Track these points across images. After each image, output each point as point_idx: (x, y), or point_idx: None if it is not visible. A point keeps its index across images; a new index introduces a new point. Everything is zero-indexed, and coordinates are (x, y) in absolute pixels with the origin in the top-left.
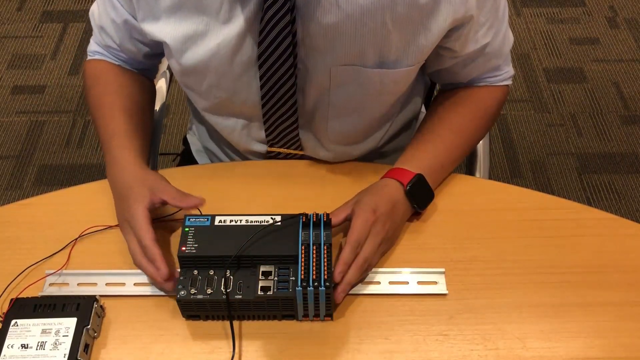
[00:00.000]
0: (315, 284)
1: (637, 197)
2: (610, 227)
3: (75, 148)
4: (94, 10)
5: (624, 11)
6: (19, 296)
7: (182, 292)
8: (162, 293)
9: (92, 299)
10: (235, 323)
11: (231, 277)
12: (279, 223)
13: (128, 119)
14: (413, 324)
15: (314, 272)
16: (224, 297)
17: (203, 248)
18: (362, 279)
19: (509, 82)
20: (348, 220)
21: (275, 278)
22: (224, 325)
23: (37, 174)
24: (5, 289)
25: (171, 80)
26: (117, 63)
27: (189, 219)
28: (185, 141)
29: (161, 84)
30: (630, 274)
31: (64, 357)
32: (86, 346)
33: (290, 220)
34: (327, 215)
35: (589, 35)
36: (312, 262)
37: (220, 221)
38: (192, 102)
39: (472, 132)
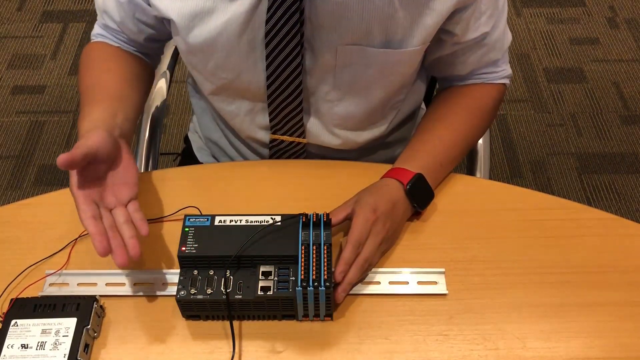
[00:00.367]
0: (315, 284)
1: (637, 197)
2: (610, 227)
3: None
4: None
5: (624, 11)
6: (19, 296)
7: (182, 292)
8: (162, 293)
9: (92, 299)
10: (235, 323)
11: (231, 277)
12: (279, 223)
13: (115, 85)
14: (413, 324)
15: (314, 272)
16: (224, 297)
17: (203, 248)
18: (362, 278)
19: (507, 82)
20: (348, 219)
21: (275, 278)
22: (224, 325)
23: (37, 174)
24: (5, 289)
25: (171, 80)
26: (116, 44)
27: (188, 219)
28: (186, 140)
29: (161, 84)
30: (630, 274)
31: (64, 357)
32: (86, 346)
33: (290, 220)
34: (327, 215)
35: (589, 35)
36: (312, 262)
37: (220, 221)
38: (197, 90)
39: (470, 130)
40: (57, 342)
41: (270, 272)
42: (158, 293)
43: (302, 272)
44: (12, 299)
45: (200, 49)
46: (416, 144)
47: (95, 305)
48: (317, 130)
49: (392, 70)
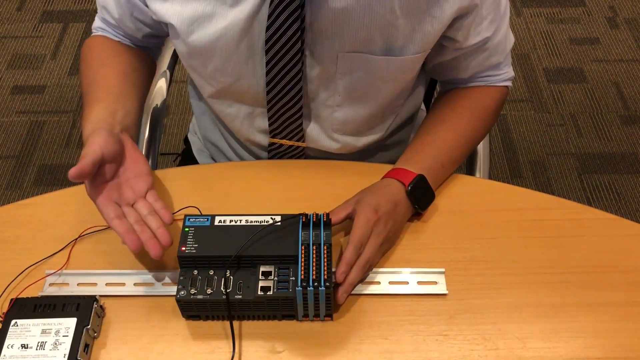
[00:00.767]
0: (315, 284)
1: (637, 197)
2: (610, 227)
3: (75, 148)
4: None
5: (624, 11)
6: (19, 296)
7: (182, 292)
8: (162, 293)
9: (92, 299)
10: (235, 323)
11: (231, 277)
12: (279, 223)
13: (114, 82)
14: (413, 324)
15: (314, 272)
16: (224, 297)
17: (203, 248)
18: (363, 279)
19: (509, 84)
20: (348, 219)
21: (275, 278)
22: (224, 325)
23: (37, 174)
24: (5, 289)
25: (171, 80)
26: (116, 39)
27: (188, 219)
28: (186, 141)
29: (161, 84)
30: (630, 274)
31: (64, 357)
32: (86, 346)
33: (290, 220)
34: (327, 215)
35: (589, 35)
36: (312, 262)
37: (220, 221)
38: (197, 90)
39: (472, 132)
40: (57, 342)
41: (270, 272)
42: (158, 293)
43: (302, 272)
44: (12, 299)
45: (199, 53)
46: (418, 145)
47: (95, 305)
48: (316, 135)
49: (392, 77)
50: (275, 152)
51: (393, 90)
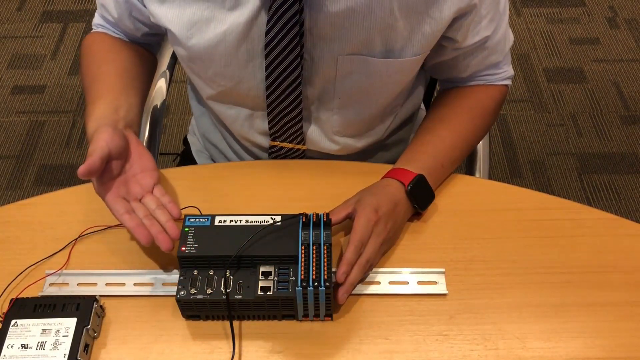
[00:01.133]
0: (315, 284)
1: (637, 197)
2: (610, 227)
3: (75, 148)
4: None
5: (624, 11)
6: (19, 296)
7: (182, 292)
8: (162, 293)
9: (92, 299)
10: (235, 323)
11: (231, 277)
12: (279, 223)
13: (116, 78)
14: (413, 324)
15: (314, 272)
16: (224, 297)
17: (203, 248)
18: (363, 279)
19: (508, 83)
20: (348, 218)
21: (275, 278)
22: (224, 325)
23: (37, 174)
24: (5, 289)
25: (171, 80)
26: (116, 36)
27: (188, 219)
28: (185, 141)
29: (161, 84)
30: (630, 274)
31: (64, 357)
32: (86, 346)
33: (290, 220)
34: (327, 215)
35: (589, 35)
36: (312, 262)
37: (220, 221)
38: (196, 92)
39: (471, 132)
40: (57, 342)
41: (270, 272)
42: (158, 293)
43: (302, 272)
44: (12, 299)
45: (198, 57)
46: (417, 145)
47: (95, 305)
48: (316, 138)
49: (392, 78)
50: (275, 155)
51: (393, 91)
